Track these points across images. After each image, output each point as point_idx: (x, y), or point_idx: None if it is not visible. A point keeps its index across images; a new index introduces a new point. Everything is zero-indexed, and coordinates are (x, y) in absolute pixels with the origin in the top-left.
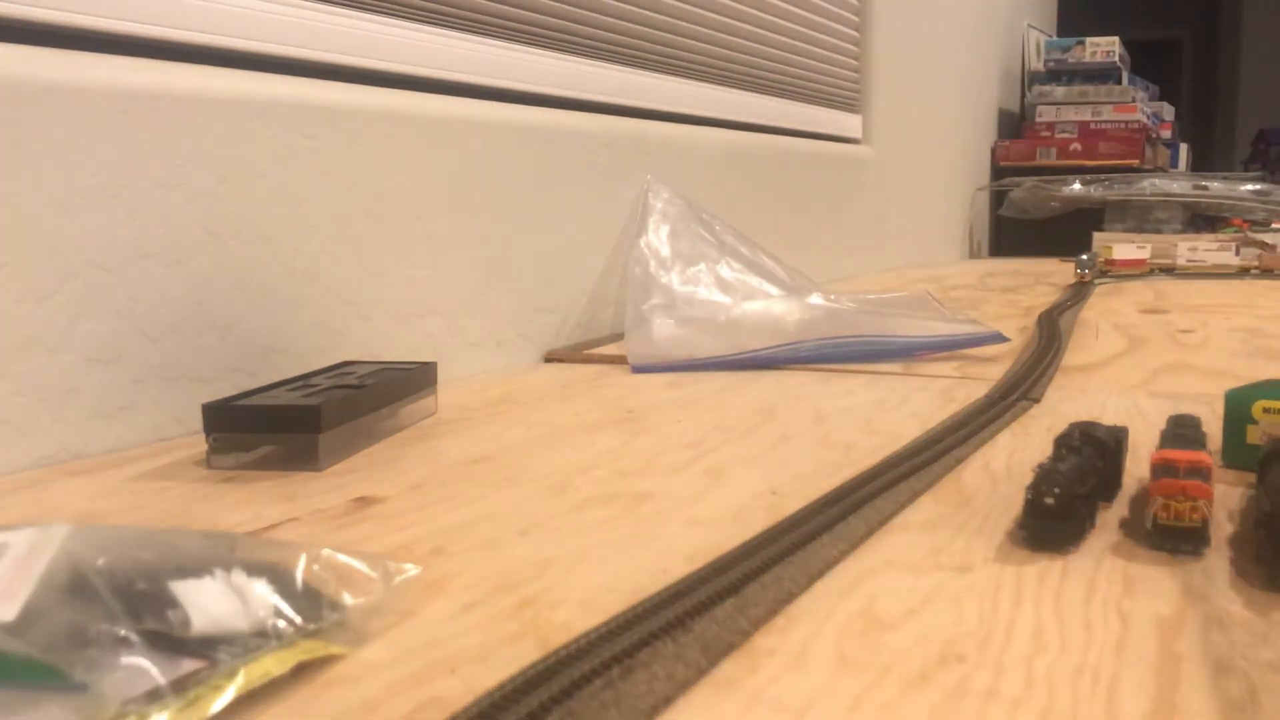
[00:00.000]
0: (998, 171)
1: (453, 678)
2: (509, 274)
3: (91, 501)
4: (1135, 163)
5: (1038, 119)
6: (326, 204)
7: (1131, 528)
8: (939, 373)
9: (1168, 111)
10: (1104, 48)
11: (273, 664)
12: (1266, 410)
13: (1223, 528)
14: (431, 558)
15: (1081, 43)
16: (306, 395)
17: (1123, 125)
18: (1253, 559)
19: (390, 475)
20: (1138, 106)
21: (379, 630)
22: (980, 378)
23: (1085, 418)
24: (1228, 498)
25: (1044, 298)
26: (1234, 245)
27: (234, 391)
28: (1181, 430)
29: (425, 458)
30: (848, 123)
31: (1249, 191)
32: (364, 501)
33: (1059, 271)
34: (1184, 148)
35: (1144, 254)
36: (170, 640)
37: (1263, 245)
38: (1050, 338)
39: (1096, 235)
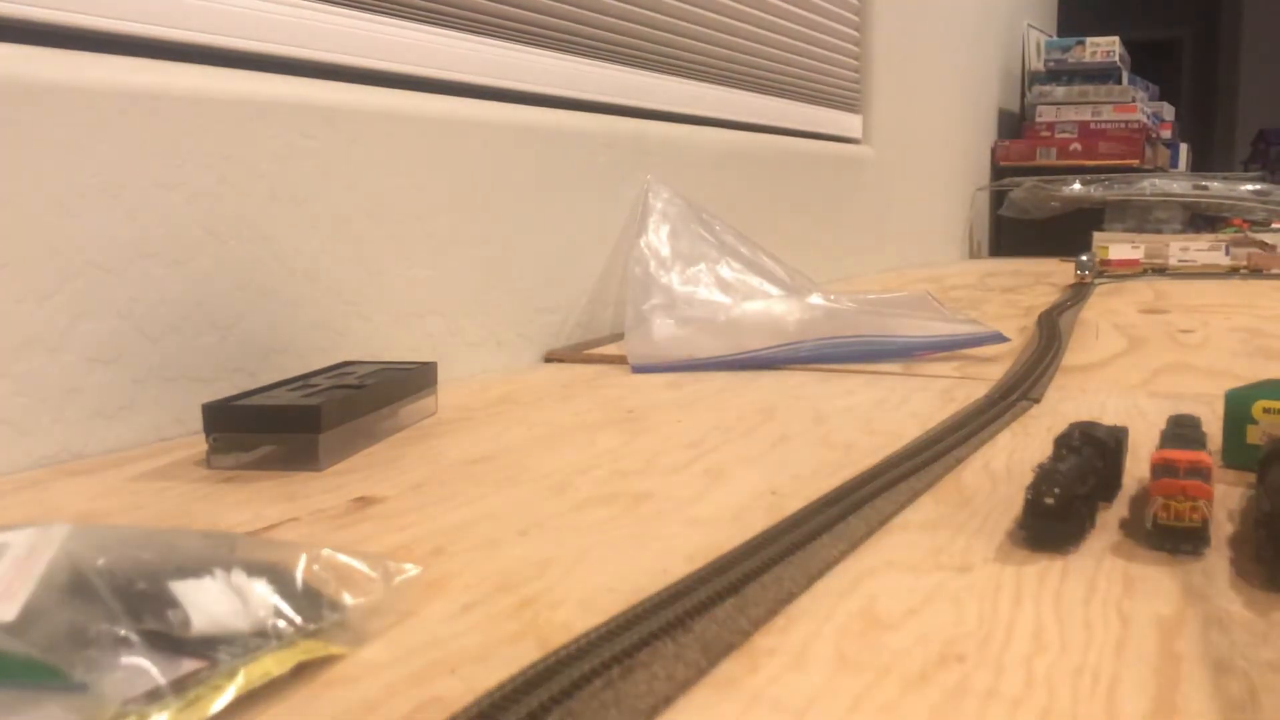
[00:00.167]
0: (998, 171)
1: (453, 678)
2: (509, 274)
3: (91, 501)
4: (1135, 163)
5: (1038, 119)
6: (326, 204)
7: (1131, 528)
8: (939, 373)
9: (1168, 111)
10: (1104, 48)
11: (273, 664)
12: (1266, 410)
13: (1223, 528)
14: (431, 558)
15: (1081, 43)
16: (306, 395)
17: (1123, 125)
18: (1253, 559)
19: (390, 475)
20: (1138, 106)
21: (379, 630)
22: (980, 378)
23: (1085, 418)
24: (1228, 498)
25: (1044, 298)
26: (1224, 245)
27: (234, 391)
28: (1181, 430)
29: (425, 458)
30: (848, 123)
31: (1249, 191)
32: (364, 501)
33: (1059, 271)
34: (1184, 148)
35: (1138, 254)
36: (170, 640)
37: (1262, 245)
38: (1050, 338)
39: (1097, 235)
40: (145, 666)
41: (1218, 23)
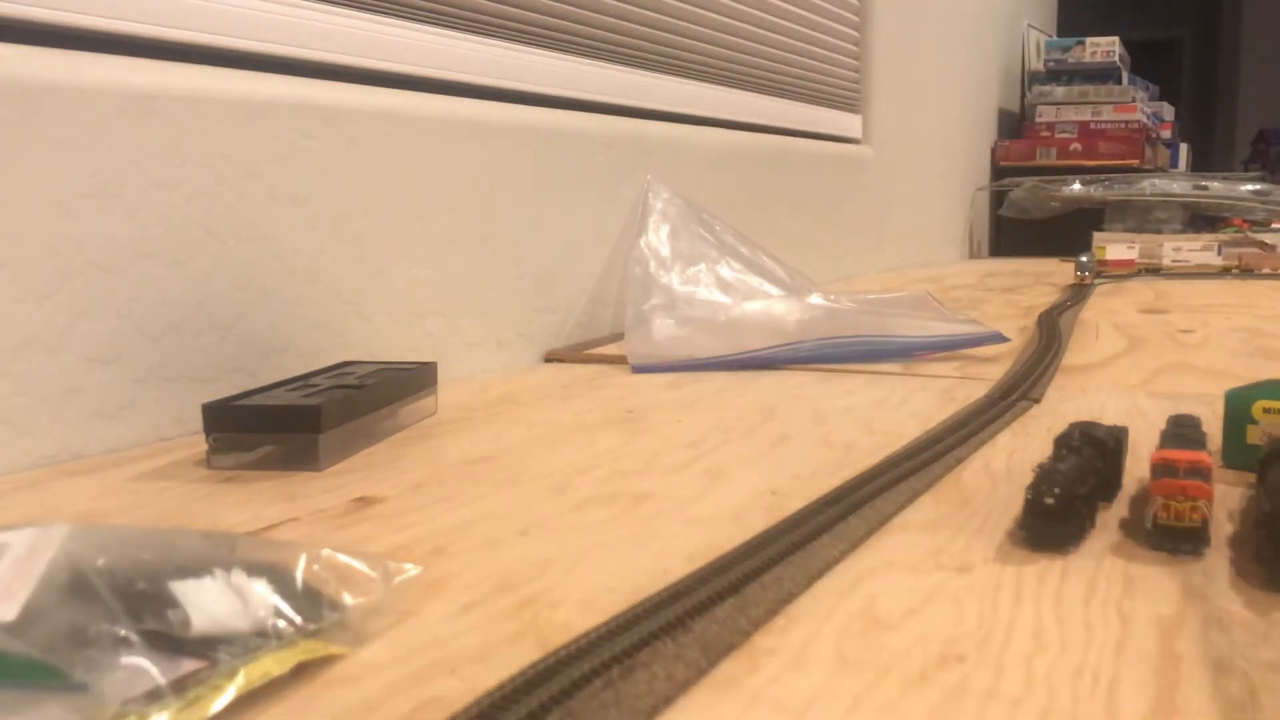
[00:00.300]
0: (998, 171)
1: (453, 678)
2: (509, 274)
3: (91, 501)
4: (1135, 163)
5: (1038, 119)
6: (326, 204)
7: (1131, 528)
8: (939, 373)
9: (1168, 111)
10: (1104, 48)
11: (273, 664)
12: (1266, 410)
13: (1223, 528)
14: (431, 558)
15: (1081, 43)
16: (306, 395)
17: (1123, 125)
18: (1253, 559)
19: (390, 475)
20: (1138, 106)
21: (379, 630)
22: (980, 378)
23: (1085, 418)
24: (1228, 498)
25: (1044, 298)
26: (1217, 245)
27: (234, 391)
28: (1181, 430)
29: (425, 458)
30: (848, 123)
31: (1249, 191)
32: (364, 501)
33: (1059, 271)
34: (1184, 148)
35: (1133, 254)
36: (170, 640)
37: (1262, 245)
38: (1050, 338)
39: (1096, 235)
40: (145, 666)
41: (1218, 23)
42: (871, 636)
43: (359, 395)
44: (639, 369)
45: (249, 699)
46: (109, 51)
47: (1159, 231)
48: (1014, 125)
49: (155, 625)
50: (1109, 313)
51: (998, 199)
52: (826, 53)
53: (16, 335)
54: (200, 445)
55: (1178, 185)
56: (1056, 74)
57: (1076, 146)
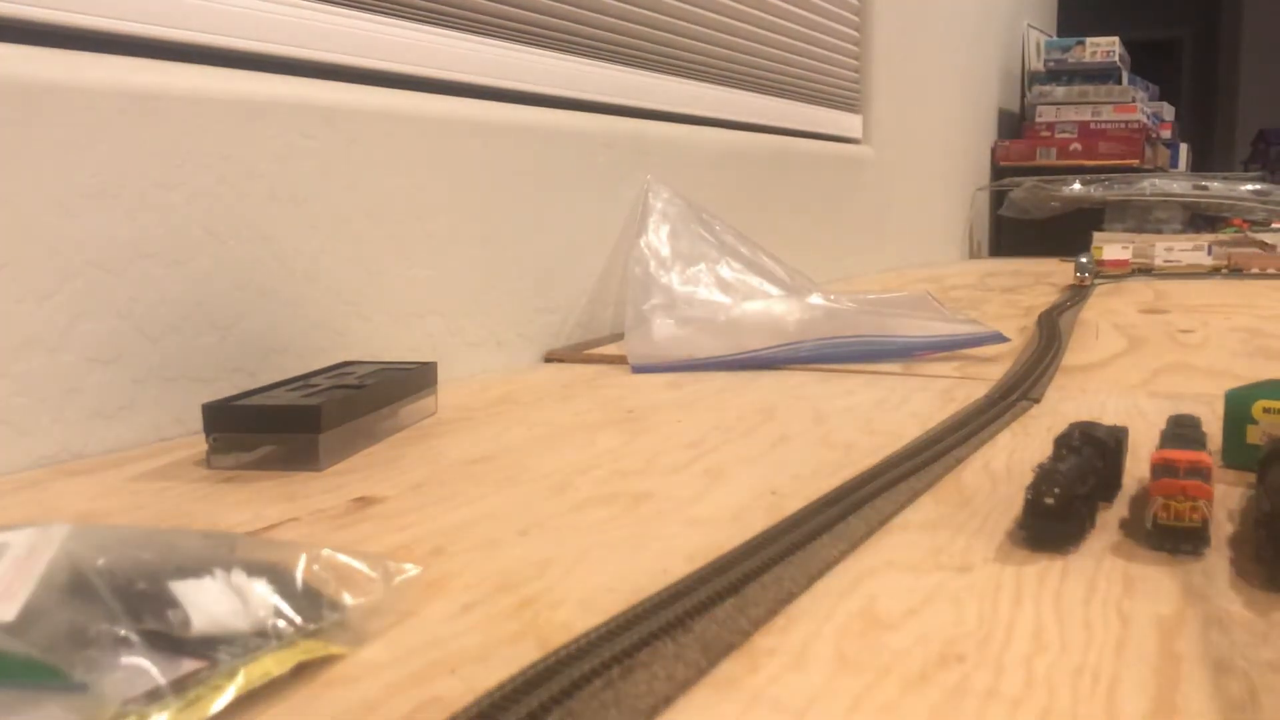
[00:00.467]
0: (998, 171)
1: (453, 678)
2: (509, 274)
3: (91, 501)
4: (1135, 163)
5: (1038, 119)
6: (326, 204)
7: (1131, 528)
8: (939, 373)
9: (1168, 111)
10: (1104, 48)
11: (273, 664)
12: (1266, 410)
13: (1223, 528)
14: (431, 558)
15: (1081, 43)
16: (306, 395)
17: (1123, 125)
18: (1253, 559)
19: (390, 475)
20: (1138, 106)
21: (379, 630)
22: (980, 378)
23: (1085, 418)
24: (1228, 498)
25: (1044, 298)
26: (1207, 245)
27: (234, 391)
28: (1181, 430)
29: (425, 458)
30: (848, 123)
31: (1249, 191)
32: (364, 501)
33: (1059, 271)
34: (1184, 148)
35: (1126, 254)
36: (170, 640)
37: (1262, 245)
38: (1050, 338)
39: (1096, 235)
40: (145, 666)
41: (1218, 23)
42: (871, 636)
43: (359, 395)
44: (639, 369)
45: (249, 699)
46: (109, 51)
47: (1159, 231)
48: (1014, 125)
49: (155, 625)
50: (1109, 313)
51: (998, 199)
52: (826, 53)
53: (16, 335)
54: (200, 445)
55: (1178, 185)
56: (1056, 74)
57: (1076, 146)
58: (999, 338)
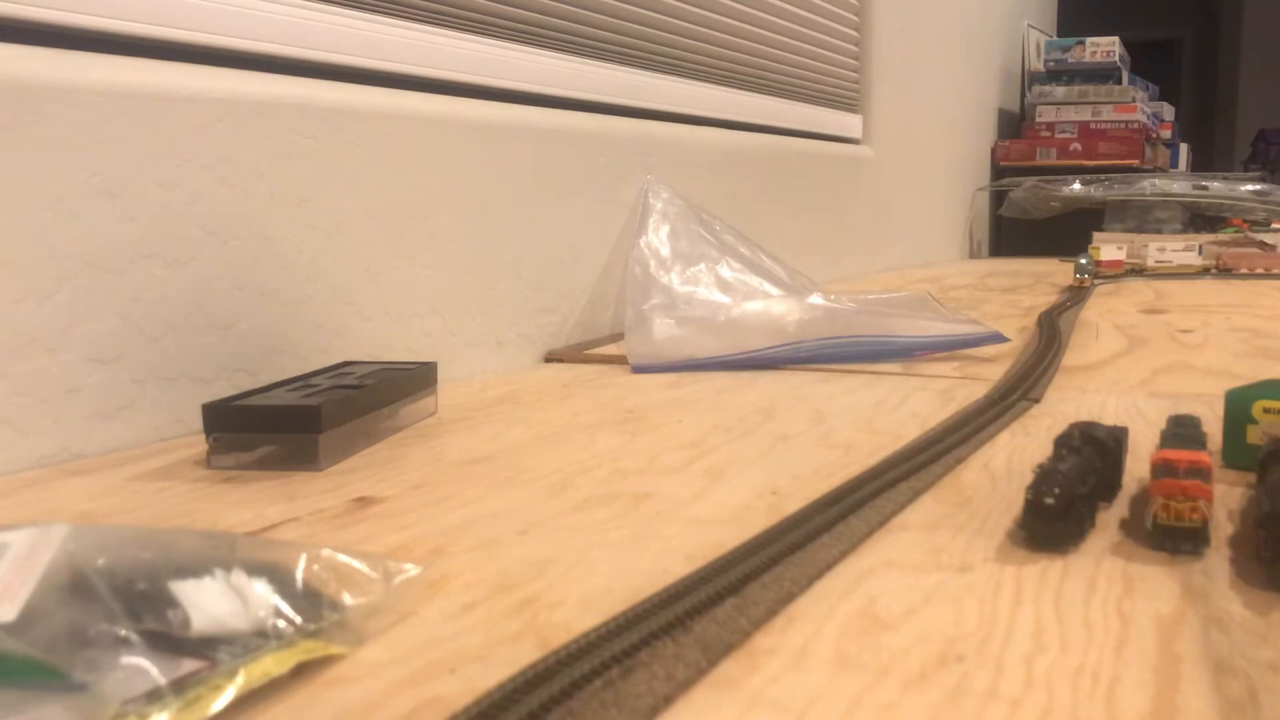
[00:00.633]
0: (998, 171)
1: (453, 678)
2: (509, 274)
3: (91, 501)
4: (1135, 163)
5: (1038, 119)
6: (326, 204)
7: (1131, 528)
8: (939, 373)
9: (1168, 111)
10: (1104, 48)
11: (273, 664)
12: (1266, 410)
13: (1223, 528)
14: (431, 558)
15: (1081, 43)
16: (306, 395)
17: (1123, 125)
18: (1253, 559)
19: (390, 475)
20: (1138, 106)
21: (379, 630)
22: (980, 378)
23: (1085, 418)
24: (1228, 498)
25: (1044, 298)
26: (1197, 245)
27: (234, 391)
28: (1181, 430)
29: (425, 458)
30: (848, 123)
31: (1249, 191)
32: (364, 501)
33: (1059, 271)
34: (1184, 148)
35: (1121, 255)
36: (170, 640)
37: (1262, 245)
38: (1050, 338)
39: (1096, 235)
40: (145, 666)
41: (1218, 23)
42: (871, 636)
43: (359, 395)
44: (639, 369)
45: (249, 699)
46: (109, 51)
47: (1159, 231)
48: (1014, 125)
49: (155, 625)
50: (1109, 313)
51: (998, 199)
52: (826, 53)
53: (16, 335)
54: (200, 445)
55: (1178, 185)
56: (1056, 74)
57: (1076, 146)
58: (999, 338)
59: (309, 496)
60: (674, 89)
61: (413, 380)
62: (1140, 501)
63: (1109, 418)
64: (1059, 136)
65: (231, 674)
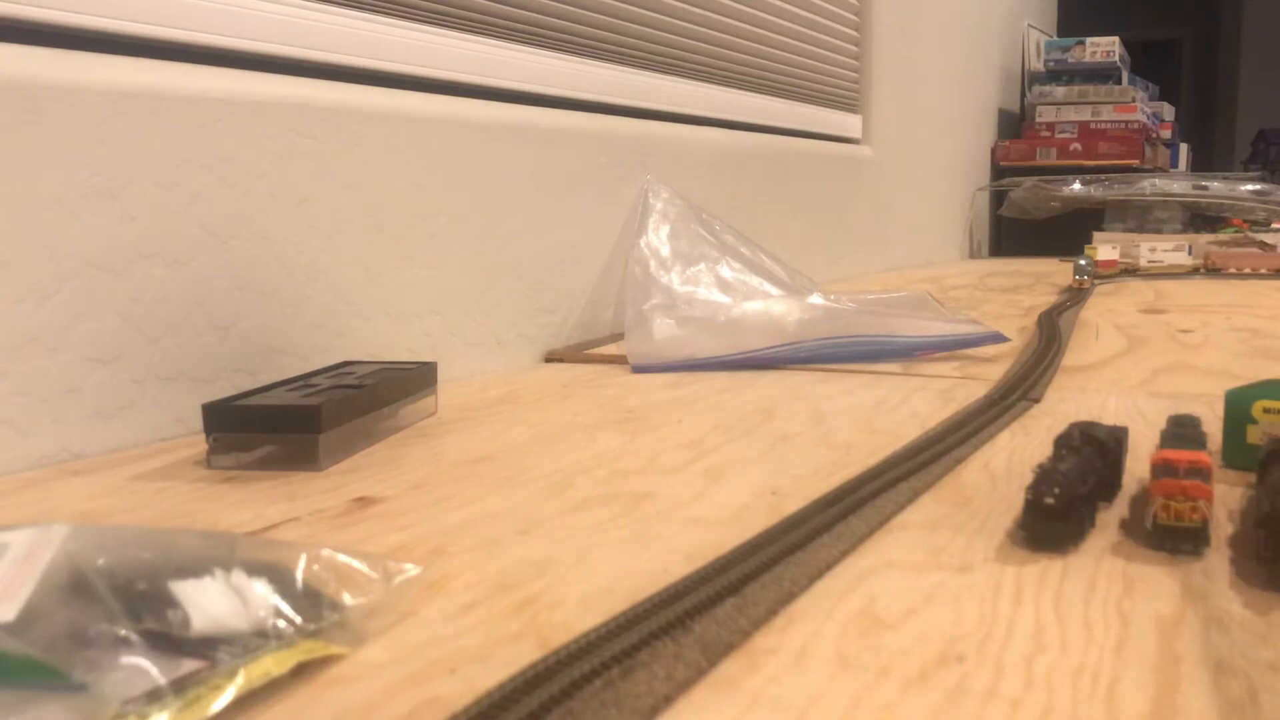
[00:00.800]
0: (998, 171)
1: (453, 678)
2: (509, 274)
3: (91, 501)
4: (1135, 163)
5: (1038, 119)
6: (326, 204)
7: (1131, 528)
8: (939, 373)
9: (1168, 111)
10: (1104, 48)
11: (273, 664)
12: (1266, 410)
13: (1223, 528)
14: (431, 558)
15: (1081, 43)
16: (306, 395)
17: (1123, 125)
18: (1253, 559)
19: (390, 475)
20: (1138, 106)
21: (379, 630)
22: (980, 378)
23: (1085, 418)
24: (1228, 498)
25: (1044, 298)
26: (1187, 246)
27: (234, 391)
28: (1181, 430)
29: (425, 458)
30: (848, 123)
31: (1249, 191)
32: (364, 501)
33: (1059, 271)
34: (1184, 148)
35: (1115, 255)
36: (170, 640)
37: (1262, 245)
38: (1050, 338)
39: (1097, 235)
40: (145, 666)
41: (1218, 23)
42: (871, 636)
43: (359, 395)
44: (639, 369)
45: (249, 699)
46: (109, 51)
47: (1159, 231)
48: (1014, 125)
49: (155, 625)
50: (1109, 313)
51: (998, 199)
52: (826, 53)
53: (16, 335)
54: (200, 445)
55: (1178, 185)
56: (1056, 74)
57: (1076, 146)
58: (999, 338)
59: (309, 496)
60: (674, 89)
61: (413, 380)
62: (1140, 501)
63: (1109, 418)
64: (1059, 136)
65: (231, 674)
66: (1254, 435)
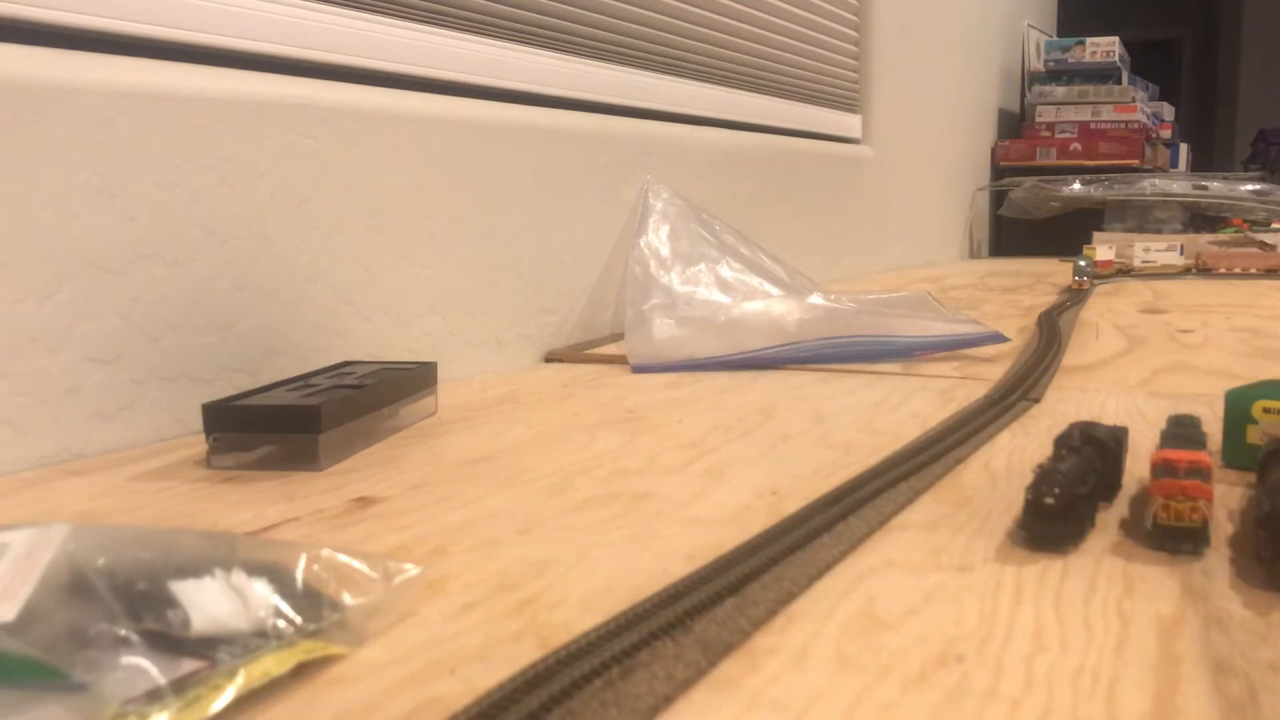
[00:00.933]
0: (998, 171)
1: (453, 678)
2: (509, 274)
3: (91, 501)
4: (1135, 163)
5: (1038, 119)
6: (326, 204)
7: (1131, 528)
8: (939, 373)
9: (1168, 111)
10: (1104, 48)
11: (273, 664)
12: (1266, 410)
13: (1223, 528)
14: (431, 558)
15: (1081, 43)
16: (306, 395)
17: (1123, 125)
18: (1253, 559)
19: (390, 475)
20: (1138, 106)
21: (379, 630)
22: (980, 378)
23: (1085, 418)
24: (1228, 498)
25: (1044, 298)
26: (1179, 246)
27: (234, 391)
28: (1181, 430)
29: (425, 458)
30: (847, 123)
31: (1249, 191)
32: (364, 501)
33: (1059, 271)
34: (1184, 148)
35: (1110, 255)
36: (170, 640)
37: (1262, 245)
38: (1050, 338)
39: (1097, 235)
40: (145, 666)
41: (1218, 23)
42: (871, 636)
43: (359, 395)
44: (639, 369)
45: (249, 699)
46: (109, 51)
47: (1159, 231)
48: (1014, 125)
49: (155, 625)
50: (1109, 313)
51: (998, 199)
52: (826, 53)
53: (16, 335)
54: (200, 445)
55: (1178, 185)
56: (1056, 74)
57: (1076, 146)
58: (999, 338)
59: (309, 496)
60: (674, 89)
61: (413, 380)
62: (1140, 501)
63: (1109, 418)
64: (1059, 136)
65: (231, 674)
66: (1254, 435)
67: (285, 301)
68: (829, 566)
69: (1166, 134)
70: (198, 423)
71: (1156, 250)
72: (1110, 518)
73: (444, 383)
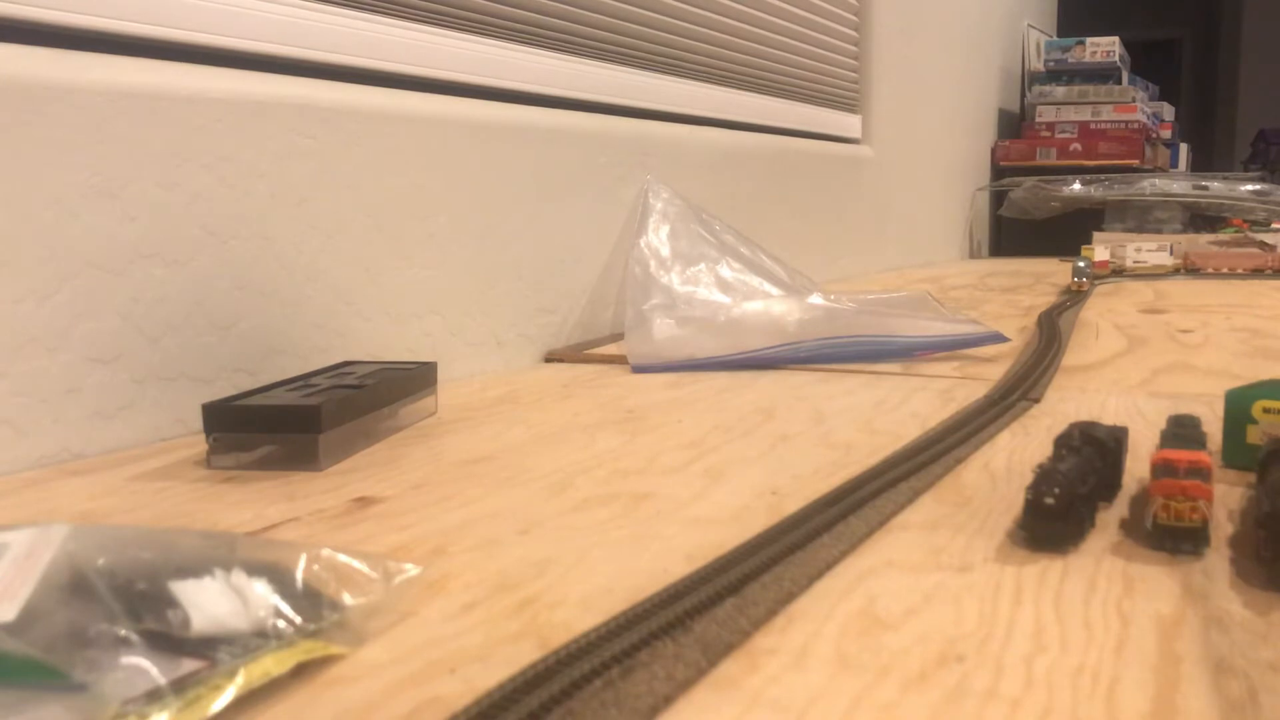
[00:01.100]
0: (998, 171)
1: (453, 678)
2: (509, 274)
3: (91, 501)
4: (1135, 163)
5: (1038, 119)
6: (326, 204)
7: (1131, 528)
8: (939, 373)
9: (1168, 111)
10: (1104, 48)
11: (273, 664)
12: (1266, 410)
13: (1223, 528)
14: (431, 558)
15: (1081, 43)
16: (306, 395)
17: (1123, 125)
18: (1253, 559)
19: (390, 475)
20: (1138, 106)
21: (379, 630)
22: (980, 378)
23: (1085, 418)
24: (1228, 498)
25: (1044, 298)
26: (1169, 246)
27: (234, 391)
28: (1181, 430)
29: (425, 458)
30: (847, 123)
31: (1249, 191)
32: (364, 501)
33: (1059, 271)
34: (1184, 148)
35: (1106, 256)
36: (170, 640)
37: (1262, 245)
38: (1050, 338)
39: (1097, 235)
40: (145, 666)
41: (1218, 23)
42: (871, 636)
43: (359, 395)
44: (639, 369)
45: (249, 699)
46: (109, 51)
47: (1159, 231)
48: (1014, 125)
49: (155, 625)
50: (1109, 313)
51: (998, 199)
52: (826, 53)
53: (16, 335)
54: (200, 445)
55: (1178, 185)
56: (1056, 74)
57: (1076, 146)
58: (999, 338)
59: (309, 496)
60: (674, 89)
61: (413, 380)
62: (1140, 501)
63: (1109, 418)
64: (1059, 136)
65: (231, 674)
66: (1254, 435)
67: (285, 301)
68: (829, 566)
69: (1166, 134)
70: (198, 423)
71: (1148, 250)
72: (1110, 518)
73: (444, 383)
